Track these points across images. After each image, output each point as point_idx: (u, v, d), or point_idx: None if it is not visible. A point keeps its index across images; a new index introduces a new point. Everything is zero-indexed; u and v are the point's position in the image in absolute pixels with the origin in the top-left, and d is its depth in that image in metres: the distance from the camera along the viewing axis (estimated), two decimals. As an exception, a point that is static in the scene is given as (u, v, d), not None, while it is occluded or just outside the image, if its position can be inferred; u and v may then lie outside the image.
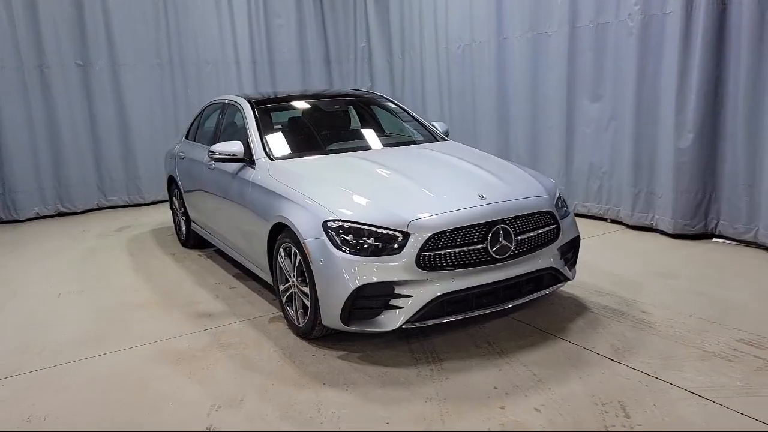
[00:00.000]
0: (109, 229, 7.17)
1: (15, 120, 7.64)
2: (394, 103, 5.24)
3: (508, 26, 6.85)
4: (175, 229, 6.31)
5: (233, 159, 4.30)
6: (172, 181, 6.17)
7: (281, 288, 3.85)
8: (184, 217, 5.91)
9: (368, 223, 3.24)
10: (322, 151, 4.43)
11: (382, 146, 4.57)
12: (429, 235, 3.17)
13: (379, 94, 5.60)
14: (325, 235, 3.28)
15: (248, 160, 4.30)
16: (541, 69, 6.52)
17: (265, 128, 4.50)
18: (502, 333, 3.56)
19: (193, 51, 8.73)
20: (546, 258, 3.54)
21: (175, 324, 4.07)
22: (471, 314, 3.31)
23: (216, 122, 5.24)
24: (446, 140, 4.85)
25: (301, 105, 5.05)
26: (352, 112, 5.14)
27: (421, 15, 8.28)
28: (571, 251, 3.76)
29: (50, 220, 7.93)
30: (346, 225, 3.26)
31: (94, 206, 8.38)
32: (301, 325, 3.62)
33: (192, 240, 5.90)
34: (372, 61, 9.68)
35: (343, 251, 3.21)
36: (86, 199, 8.25)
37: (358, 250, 3.21)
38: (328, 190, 3.60)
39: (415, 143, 4.69)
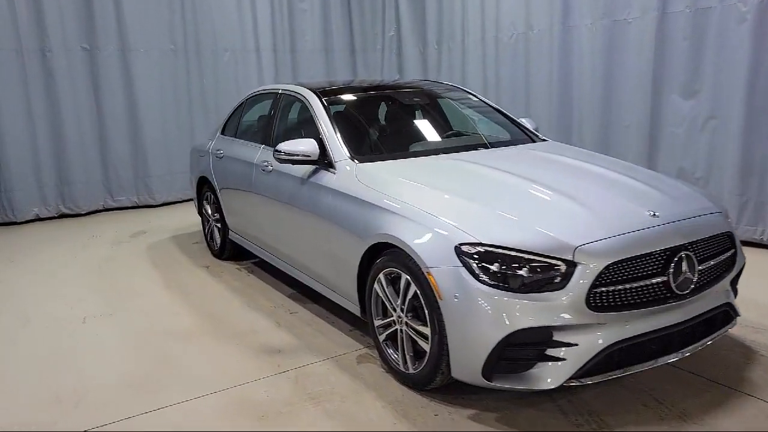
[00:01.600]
0: (123, 234, 6.33)
1: (12, 110, 6.76)
2: (477, 97, 4.49)
3: (576, 12, 6.15)
4: (206, 237, 5.51)
5: (306, 161, 3.53)
6: (203, 183, 5.37)
7: (378, 323, 3.10)
8: (218, 225, 5.12)
9: (520, 248, 2.50)
10: (414, 152, 3.68)
11: (482, 147, 3.81)
12: (606, 264, 2.45)
13: (454, 85, 4.84)
14: (459, 263, 2.54)
15: (324, 162, 3.54)
16: (618, 61, 5.83)
17: (340, 124, 3.74)
18: (668, 387, 2.85)
19: (210, 37, 7.91)
20: (721, 292, 2.84)
21: (240, 363, 3.30)
22: (643, 367, 2.59)
23: (267, 116, 4.46)
24: (545, 140, 4.12)
25: (376, 97, 4.29)
26: (434, 106, 4.38)
27: (465, 0, 7.54)
28: (736, 282, 3.06)
29: (51, 222, 7.06)
30: (490, 250, 2.52)
31: (100, 207, 7.53)
32: (412, 372, 2.88)
33: (228, 251, 5.12)
34: (402, 51, 8.92)
35: (487, 285, 2.48)
36: (91, 199, 7.39)
37: (506, 283, 2.48)
38: (451, 203, 2.86)
39: (516, 144, 3.95)
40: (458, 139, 3.98)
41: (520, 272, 2.48)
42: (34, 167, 7.01)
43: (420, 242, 2.71)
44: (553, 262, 2.48)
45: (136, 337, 3.70)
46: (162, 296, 4.42)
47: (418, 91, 4.40)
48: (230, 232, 4.97)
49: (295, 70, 8.64)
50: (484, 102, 4.43)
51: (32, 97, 6.84)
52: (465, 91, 4.57)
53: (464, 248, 2.56)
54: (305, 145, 3.54)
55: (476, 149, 3.74)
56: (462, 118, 4.30)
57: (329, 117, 3.74)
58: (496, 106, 4.41)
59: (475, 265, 2.52)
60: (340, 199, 3.30)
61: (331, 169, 3.49)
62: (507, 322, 2.44)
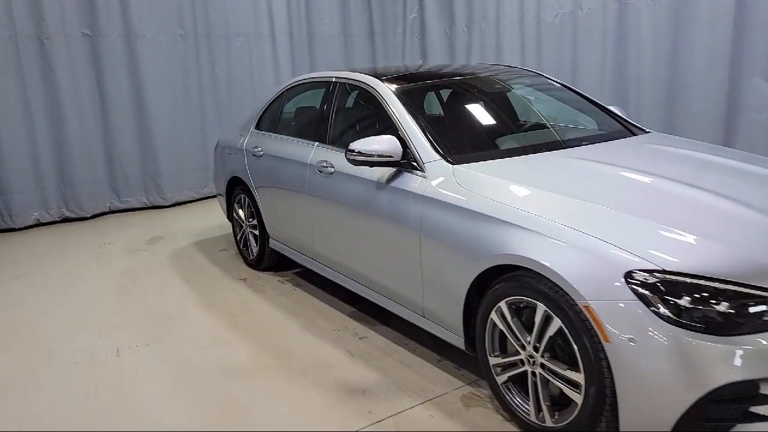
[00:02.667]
0: (138, 240, 5.70)
1: (7, 103, 6.09)
2: (558, 83, 3.92)
3: (636, -13, 5.58)
4: (238, 245, 4.91)
5: (386, 162, 2.95)
6: (234, 185, 4.76)
7: (496, 362, 2.55)
8: (255, 231, 4.53)
9: (715, 275, 1.96)
10: (512, 150, 3.10)
11: (586, 142, 3.24)
12: (834, 298, 1.91)
13: (528, 69, 4.26)
14: (634, 296, 1.99)
15: (409, 163, 2.96)
16: (686, 40, 5.30)
17: (422, 119, 3.15)
18: None
19: (222, 20, 7.24)
20: None
21: (323, 409, 2.74)
22: None
23: (320, 110, 3.86)
24: (649, 131, 3.57)
25: (451, 85, 3.69)
26: (520, 94, 3.80)
27: (501, -22, 6.95)
28: None
29: (54, 227, 6.41)
30: (675, 280, 1.97)
31: (106, 209, 6.88)
32: (552, 425, 2.33)
33: (267, 261, 4.53)
34: (425, 34, 8.31)
35: (677, 325, 1.93)
36: (96, 200, 6.73)
37: (701, 323, 1.93)
38: (595, 213, 2.31)
39: (623, 136, 3.39)
40: (557, 133, 3.40)
41: (719, 307, 1.93)
42: (33, 167, 6.34)
43: (568, 266, 2.15)
44: (761, 293, 1.93)
45: (187, 375, 3.11)
46: (203, 319, 3.83)
47: (498, 78, 3.81)
48: (270, 239, 4.37)
49: (312, 56, 8.00)
50: (570, 89, 3.86)
51: (29, 89, 6.16)
52: (543, 76, 3.99)
53: (639, 276, 2.01)
54: (384, 144, 2.96)
55: (582, 144, 3.17)
56: (554, 109, 3.73)
57: (408, 111, 3.16)
58: (585, 94, 3.84)
59: (657, 298, 1.96)
60: (435, 209, 2.73)
61: (418, 172, 2.92)
62: (707, 376, 1.90)
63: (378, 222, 3.09)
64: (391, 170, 3.05)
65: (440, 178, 2.81)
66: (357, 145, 2.99)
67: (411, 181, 2.92)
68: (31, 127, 6.22)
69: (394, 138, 2.99)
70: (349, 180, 3.30)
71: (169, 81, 6.93)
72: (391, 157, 2.95)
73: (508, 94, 3.71)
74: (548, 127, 3.48)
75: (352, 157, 3.00)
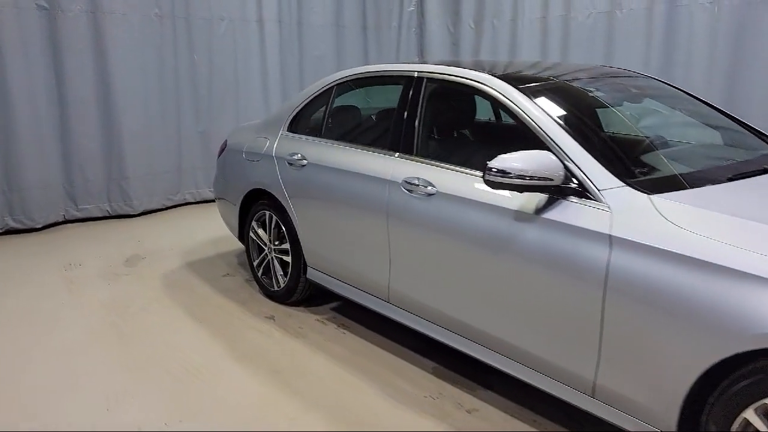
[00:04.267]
0: (112, 260, 4.65)
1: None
2: (684, 92, 3.26)
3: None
4: (254, 271, 3.99)
5: (541, 186, 2.19)
6: (254, 198, 3.85)
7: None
8: (284, 257, 3.65)
9: None
10: (713, 174, 2.39)
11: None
12: None
13: (647, 75, 3.57)
14: None
15: (574, 189, 2.21)
16: (750, 47, 4.83)
17: (583, 131, 2.42)
18: None
19: (203, 1, 6.23)
20: None
21: None
22: None
23: (398, 112, 3.02)
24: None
25: (579, 89, 2.94)
26: (654, 105, 3.10)
27: (521, -30, 6.33)
28: None
29: (-3, 241, 5.21)
30: None
31: (60, 218, 5.72)
32: None
33: (299, 293, 3.67)
34: (424, 30, 7.58)
35: None
36: (48, 208, 5.57)
37: None
38: None
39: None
40: (731, 153, 2.73)
41: None
42: (-28, 166, 5.13)
43: None
44: None
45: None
46: (241, 378, 2.92)
47: (629, 83, 3.10)
48: (309, 269, 3.50)
49: (301, 47, 7.10)
50: (704, 102, 3.19)
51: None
52: (667, 83, 3.31)
53: None
54: (539, 163, 2.20)
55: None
56: (709, 121, 3.04)
57: (558, 122, 2.40)
58: (719, 107, 3.19)
59: None
60: (634, 256, 2.00)
61: (590, 202, 2.17)
62: None
63: (519, 264, 2.31)
64: (540, 197, 2.29)
65: (634, 212, 2.07)
66: (500, 162, 2.20)
67: (581, 214, 2.16)
68: (-29, 117, 5.01)
69: (550, 155, 2.23)
70: (465, 206, 2.51)
71: (140, 68, 5.85)
72: (550, 180, 2.19)
73: (647, 101, 3.01)
74: (730, 145, 2.81)
75: (491, 178, 2.22)
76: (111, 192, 5.90)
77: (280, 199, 3.57)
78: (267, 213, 3.75)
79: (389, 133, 3.01)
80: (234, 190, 4.03)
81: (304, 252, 3.50)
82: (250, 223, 3.93)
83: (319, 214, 3.29)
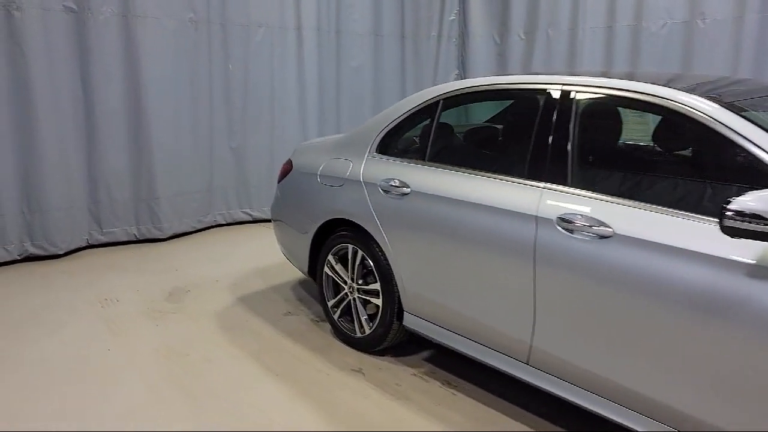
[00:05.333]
0: (152, 294, 4.10)
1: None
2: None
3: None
4: (329, 313, 3.47)
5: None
6: (331, 228, 3.34)
7: None
8: (372, 299, 3.14)
9: None
10: None
11: None
12: None
13: None
14: None
15: None
16: None
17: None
18: None
19: (241, 6, 5.74)
20: None
21: None
22: None
23: (537, 134, 2.52)
24: None
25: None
26: None
27: (582, -24, 5.90)
28: None
29: (16, 270, 4.65)
30: None
31: (83, 243, 5.15)
32: None
33: (390, 340, 3.14)
34: (467, 40, 7.13)
35: None
36: (71, 231, 5.01)
37: None
38: None
39: None
40: None
41: None
42: (-11, 186, 4.57)
43: None
44: None
45: None
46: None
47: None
48: (407, 314, 2.98)
49: (339, 57, 6.60)
50: None
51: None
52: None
53: None
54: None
55: None
56: None
57: None
58: None
59: None
60: None
61: None
62: None
63: (753, 333, 1.81)
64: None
65: None
66: (742, 205, 1.71)
67: None
68: (-10, 130, 4.46)
69: None
70: (667, 255, 2.00)
71: (172, 78, 5.33)
72: None
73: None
74: None
75: (734, 224, 1.72)
76: (139, 213, 5.35)
77: (370, 232, 3.06)
78: (350, 247, 3.23)
79: (526, 158, 2.51)
80: (304, 218, 3.50)
81: (401, 295, 2.98)
82: (325, 257, 3.40)
83: (428, 252, 2.77)
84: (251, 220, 6.19)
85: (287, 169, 3.79)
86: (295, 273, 4.57)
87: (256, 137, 6.02)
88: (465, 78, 7.20)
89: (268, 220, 6.24)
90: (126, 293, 4.14)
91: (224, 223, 6.08)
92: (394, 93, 7.06)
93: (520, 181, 2.49)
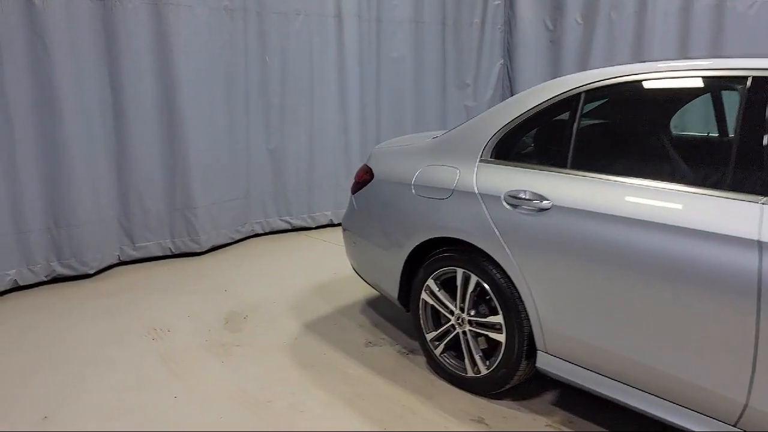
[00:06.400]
0: (206, 321, 3.59)
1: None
2: None
3: None
4: (427, 347, 2.97)
5: None
6: (429, 248, 2.82)
7: None
8: (487, 332, 2.61)
9: None
10: None
11: None
12: None
13: None
14: None
15: None
16: None
17: None
18: None
19: (279, -9, 5.18)
20: None
21: None
22: None
23: (741, 134, 2.00)
24: None
25: None
26: None
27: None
28: None
29: (43, 293, 4.12)
30: None
31: (114, 260, 4.61)
32: None
33: (514, 381, 2.62)
34: (513, 26, 6.59)
35: None
36: (101, 248, 4.46)
37: None
38: None
39: None
40: None
41: None
42: (10, 199, 4.02)
43: None
44: None
45: None
46: None
47: None
48: (543, 355, 2.47)
49: (379, 48, 6.06)
50: None
51: (6, 76, 3.86)
52: None
53: None
54: None
55: None
56: None
57: None
58: None
59: None
60: None
61: None
62: None
63: None
64: None
65: None
66: None
67: None
68: (7, 136, 3.90)
69: None
70: None
71: (208, 73, 4.79)
72: None
73: None
74: None
75: None
76: (174, 225, 4.82)
77: (490, 254, 2.54)
78: (459, 271, 2.71)
79: (728, 164, 1.99)
80: (393, 236, 2.98)
81: (534, 330, 2.47)
82: (423, 282, 2.88)
83: (580, 282, 2.26)
84: (290, 228, 5.67)
85: (366, 177, 3.26)
86: (359, 291, 4.07)
87: (294, 138, 5.49)
88: (511, 69, 6.69)
89: (308, 228, 5.73)
90: (176, 320, 3.62)
91: (262, 232, 5.57)
92: (434, 87, 6.54)
93: (722, 194, 1.97)
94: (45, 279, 4.25)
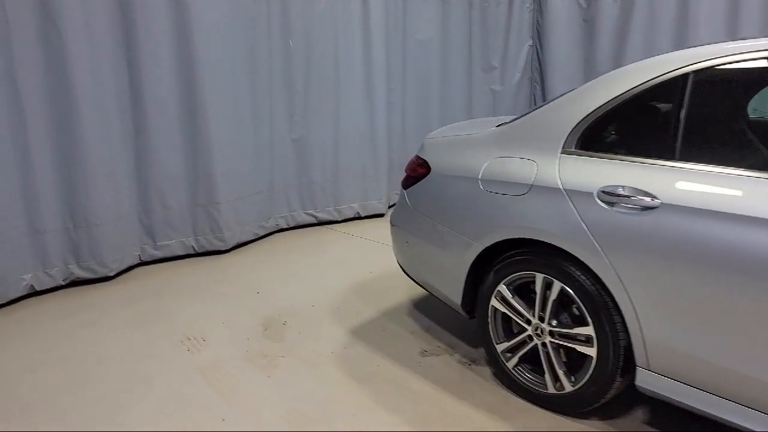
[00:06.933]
0: (245, 329, 3.30)
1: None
2: None
3: None
4: (497, 358, 2.70)
5: None
6: (499, 250, 2.53)
7: None
8: (573, 345, 2.33)
9: None
10: None
11: None
12: None
13: None
14: None
15: None
16: None
17: None
18: None
19: (303, -31, 4.85)
20: None
21: None
22: None
23: None
24: None
25: None
26: None
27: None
28: None
29: (61, 298, 3.83)
30: None
31: (135, 260, 4.32)
32: None
33: (605, 400, 2.34)
34: (543, 5, 6.26)
35: None
36: (122, 248, 4.17)
37: None
38: None
39: None
40: None
41: None
42: (24, 199, 3.72)
43: None
44: None
45: None
46: None
47: None
48: (644, 372, 2.18)
49: (405, 29, 5.74)
50: None
51: (17, 62, 3.54)
52: None
53: None
54: None
55: None
56: None
57: None
58: None
59: None
60: None
61: None
62: None
63: None
64: None
65: None
66: None
67: None
68: (20, 129, 3.58)
69: None
70: None
71: (231, 58, 4.46)
72: None
73: None
74: None
75: None
76: (197, 222, 4.52)
77: (581, 258, 2.25)
78: (539, 276, 2.43)
79: None
80: (459, 236, 2.69)
81: (634, 344, 2.19)
82: (493, 288, 2.59)
83: (698, 291, 1.97)
84: (316, 222, 5.38)
85: (421, 171, 2.96)
86: (401, 292, 3.79)
87: (318, 126, 5.19)
88: (540, 50, 6.36)
89: (334, 222, 5.45)
90: (210, 328, 3.33)
91: (286, 227, 5.28)
92: (460, 71, 6.22)
93: None
94: (63, 283, 3.95)
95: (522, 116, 2.67)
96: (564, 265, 2.33)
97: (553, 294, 2.40)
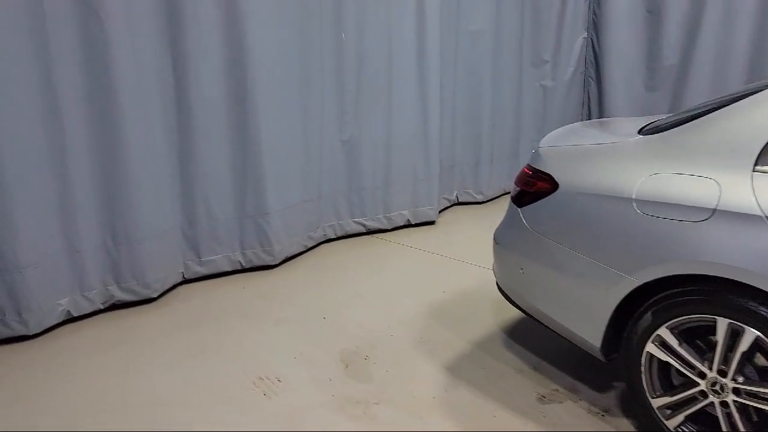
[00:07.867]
0: (322, 365, 2.85)
1: (7, 89, 2.94)
2: None
3: None
4: (655, 417, 2.27)
5: None
6: (655, 287, 2.09)
7: None
8: (757, 404, 1.90)
9: None
10: None
11: None
12: None
13: None
14: None
15: None
16: None
17: None
18: None
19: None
20: None
21: None
22: None
23: None
24: None
25: None
26: None
27: None
28: None
29: (102, 322, 3.35)
30: None
31: (178, 279, 3.85)
32: None
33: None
34: (603, -3, 5.80)
35: None
36: (165, 266, 3.71)
37: None
38: None
39: None
40: None
41: None
42: (60, 214, 3.23)
43: None
44: None
45: None
46: None
47: None
48: None
49: (459, 17, 5.28)
50: None
51: (54, 62, 3.09)
52: None
53: None
54: None
55: None
56: None
57: None
58: None
59: None
60: None
61: None
62: None
63: None
64: None
65: None
66: None
67: None
68: (57, 136, 3.10)
69: None
70: None
71: (283, 56, 3.98)
72: None
73: None
74: None
75: None
76: (245, 234, 4.06)
77: (790, 304, 1.80)
78: (724, 322, 1.98)
79: None
80: (605, 268, 2.24)
81: None
82: (653, 331, 2.15)
83: None
84: (365, 231, 4.93)
85: (542, 186, 2.51)
86: (487, 317, 3.35)
87: (370, 127, 4.73)
88: (597, 43, 5.90)
89: (384, 231, 5.00)
90: (282, 364, 2.88)
91: (334, 237, 4.82)
92: (511, 65, 5.76)
93: None
94: (102, 307, 3.49)
95: (683, 125, 2.21)
96: (760, 310, 1.89)
97: (744, 344, 1.96)
